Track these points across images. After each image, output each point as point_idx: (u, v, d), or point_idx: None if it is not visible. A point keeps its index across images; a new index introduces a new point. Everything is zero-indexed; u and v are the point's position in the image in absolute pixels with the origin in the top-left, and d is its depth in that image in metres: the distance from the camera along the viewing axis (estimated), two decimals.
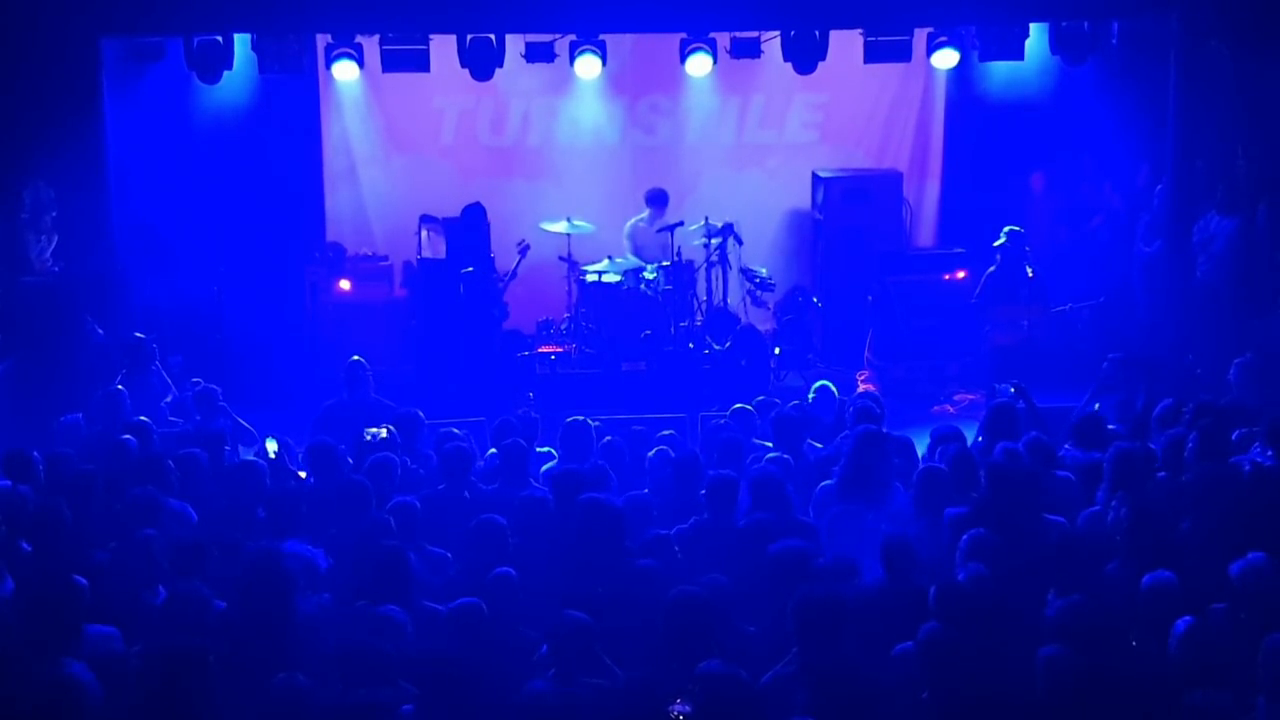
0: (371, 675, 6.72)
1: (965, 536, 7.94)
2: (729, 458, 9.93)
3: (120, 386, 12.07)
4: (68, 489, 9.11)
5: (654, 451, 10.52)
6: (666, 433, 11.43)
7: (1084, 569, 7.60)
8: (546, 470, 10.49)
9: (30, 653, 6.86)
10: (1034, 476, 8.85)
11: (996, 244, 14.82)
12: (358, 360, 12.50)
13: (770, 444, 10.77)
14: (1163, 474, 9.29)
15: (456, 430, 11.13)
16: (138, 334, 13.13)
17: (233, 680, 6.70)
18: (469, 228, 15.17)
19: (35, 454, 9.94)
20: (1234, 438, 9.89)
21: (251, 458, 10.51)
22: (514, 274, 15.40)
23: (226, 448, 10.72)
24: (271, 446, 10.66)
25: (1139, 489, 8.65)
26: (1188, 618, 6.93)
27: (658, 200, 16.09)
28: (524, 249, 15.28)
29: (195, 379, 12.30)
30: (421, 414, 11.33)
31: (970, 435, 10.64)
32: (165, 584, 7.97)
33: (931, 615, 7.10)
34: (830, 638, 6.83)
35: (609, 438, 10.99)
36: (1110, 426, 10.54)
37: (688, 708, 6.36)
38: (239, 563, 7.80)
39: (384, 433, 10.59)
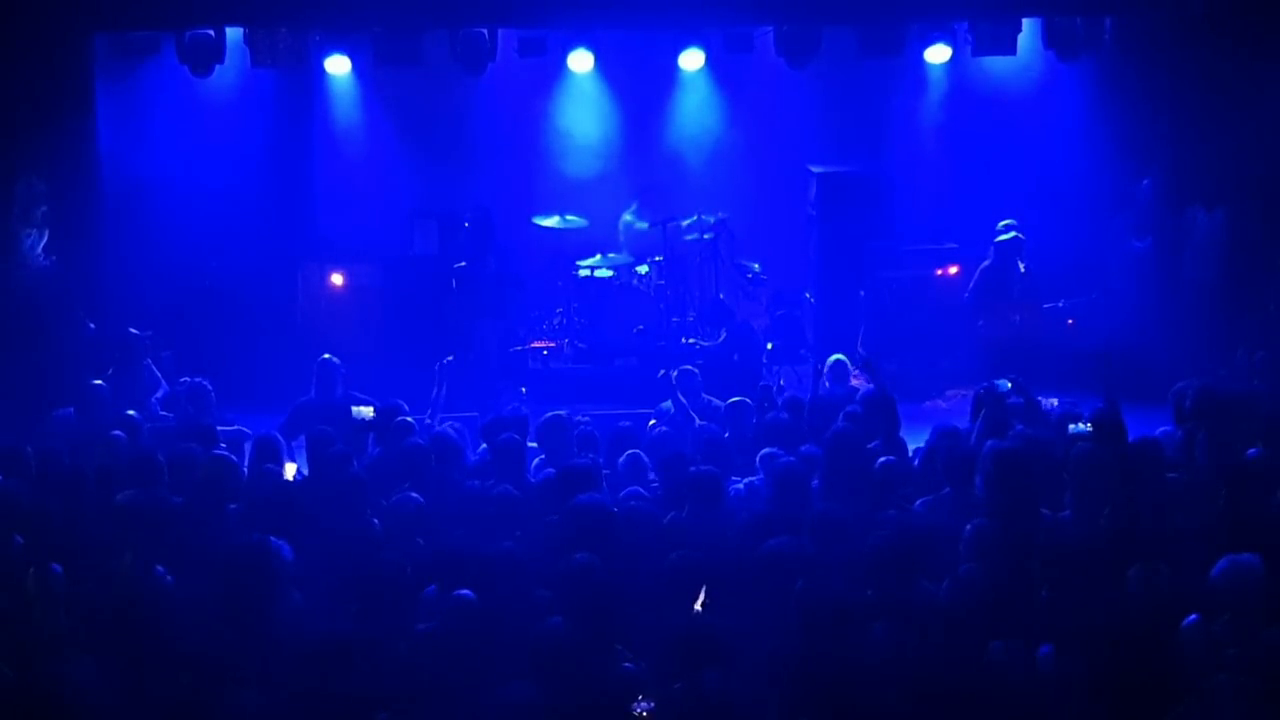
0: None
1: (969, 528, 7.94)
2: (715, 454, 9.94)
3: (97, 381, 12.05)
4: (59, 484, 9.11)
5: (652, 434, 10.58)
6: (653, 423, 11.46)
7: (1073, 565, 7.63)
8: (537, 464, 10.51)
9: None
10: (1032, 469, 8.84)
11: (1001, 239, 14.84)
12: (329, 359, 12.42)
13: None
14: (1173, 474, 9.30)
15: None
16: (131, 329, 13.12)
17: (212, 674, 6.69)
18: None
19: (28, 449, 9.93)
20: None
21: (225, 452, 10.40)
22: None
23: (222, 444, 10.69)
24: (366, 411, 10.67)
25: (1139, 487, 8.65)
26: (1194, 615, 6.96)
27: (650, 195, 16.10)
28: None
29: (184, 377, 12.24)
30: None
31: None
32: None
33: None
34: (837, 635, 6.85)
35: (583, 418, 11.01)
36: None
37: (651, 704, 6.38)
38: (221, 554, 7.77)
39: (369, 412, 10.60)
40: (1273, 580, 7.06)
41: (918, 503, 9.02)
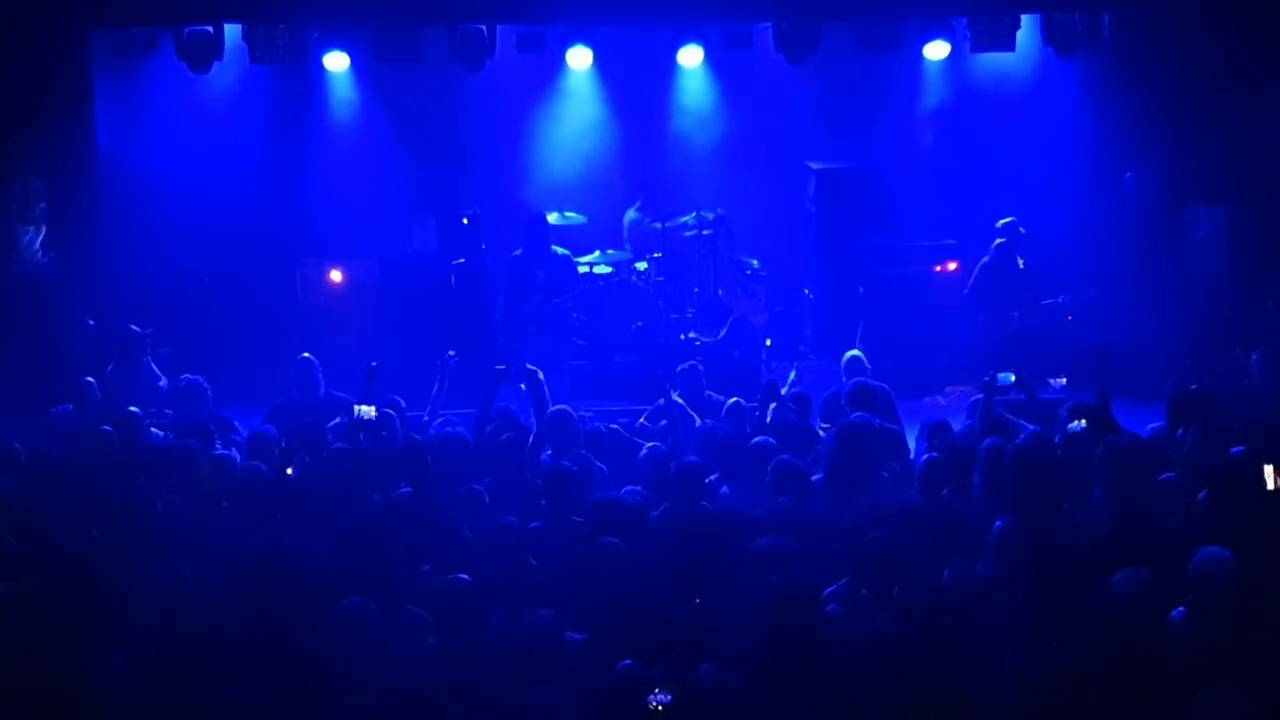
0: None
1: (997, 524, 7.94)
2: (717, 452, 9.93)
3: (90, 379, 12.06)
4: (51, 480, 9.12)
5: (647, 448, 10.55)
6: (642, 420, 11.47)
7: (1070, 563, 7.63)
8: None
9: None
10: (1055, 465, 8.81)
11: (999, 242, 14.85)
12: (307, 358, 12.42)
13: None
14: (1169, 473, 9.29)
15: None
16: (132, 326, 13.12)
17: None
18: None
19: (17, 445, 9.92)
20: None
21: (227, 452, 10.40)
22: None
23: (217, 441, 10.68)
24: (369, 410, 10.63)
25: (1131, 485, 8.64)
26: (1181, 608, 6.96)
27: (649, 192, 16.10)
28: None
29: (184, 374, 12.24)
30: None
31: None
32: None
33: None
34: (805, 632, 6.83)
35: (587, 414, 11.03)
36: None
37: (667, 697, 6.39)
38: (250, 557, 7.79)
39: (371, 411, 10.59)
40: (1253, 576, 7.08)
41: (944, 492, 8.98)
